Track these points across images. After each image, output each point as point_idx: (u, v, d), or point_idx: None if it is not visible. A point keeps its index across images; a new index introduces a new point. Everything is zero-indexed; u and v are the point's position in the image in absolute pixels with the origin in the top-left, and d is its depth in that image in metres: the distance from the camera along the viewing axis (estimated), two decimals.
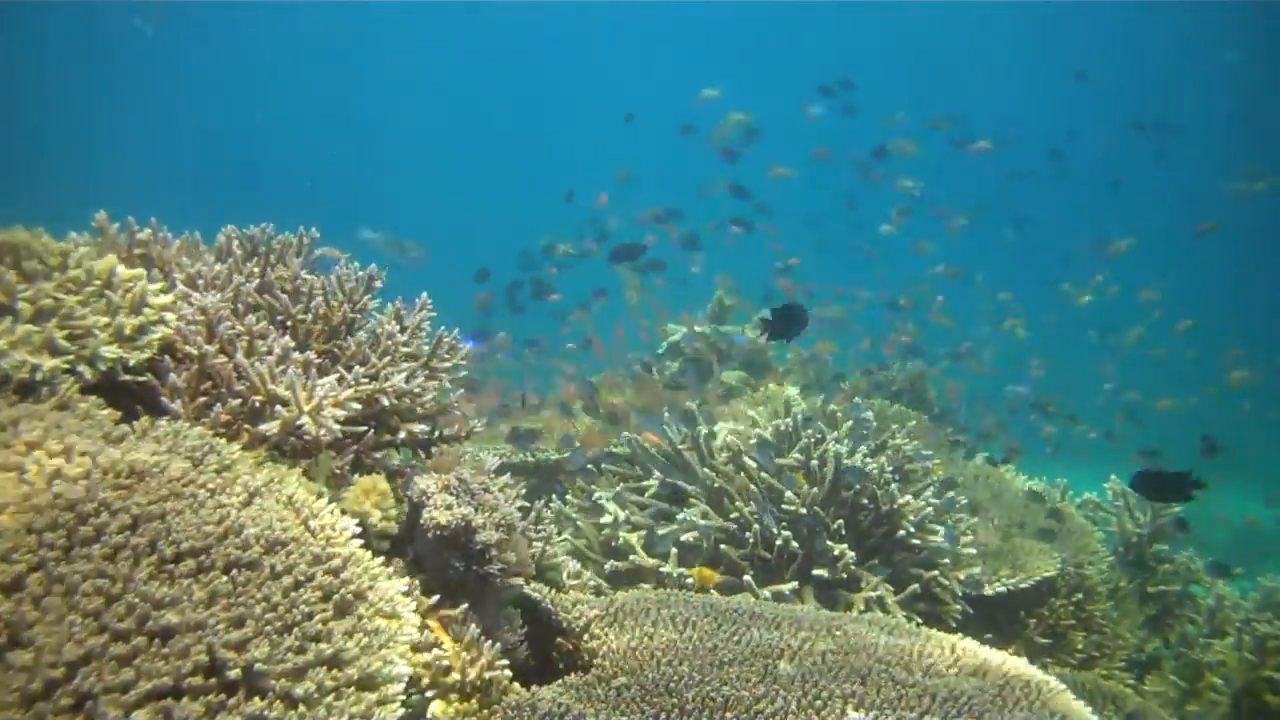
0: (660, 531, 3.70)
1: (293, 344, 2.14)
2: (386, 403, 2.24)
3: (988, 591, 3.74)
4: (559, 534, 4.05)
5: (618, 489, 4.03)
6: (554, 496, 4.26)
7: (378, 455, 2.29)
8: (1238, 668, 3.83)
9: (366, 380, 2.21)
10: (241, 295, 2.41)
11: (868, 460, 3.78)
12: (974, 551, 3.76)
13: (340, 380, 2.17)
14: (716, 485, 3.78)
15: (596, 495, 4.06)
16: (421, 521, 2.24)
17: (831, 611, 2.79)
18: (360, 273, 2.49)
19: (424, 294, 2.63)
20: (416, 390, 2.34)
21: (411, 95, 34.06)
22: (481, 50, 32.78)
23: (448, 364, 2.53)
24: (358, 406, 2.09)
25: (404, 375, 2.29)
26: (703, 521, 3.67)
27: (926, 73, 26.75)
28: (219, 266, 2.55)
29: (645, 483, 4.01)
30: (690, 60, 27.75)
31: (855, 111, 9.23)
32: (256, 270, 2.58)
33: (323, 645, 1.41)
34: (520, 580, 2.52)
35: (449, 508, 2.23)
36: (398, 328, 2.36)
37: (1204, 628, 4.27)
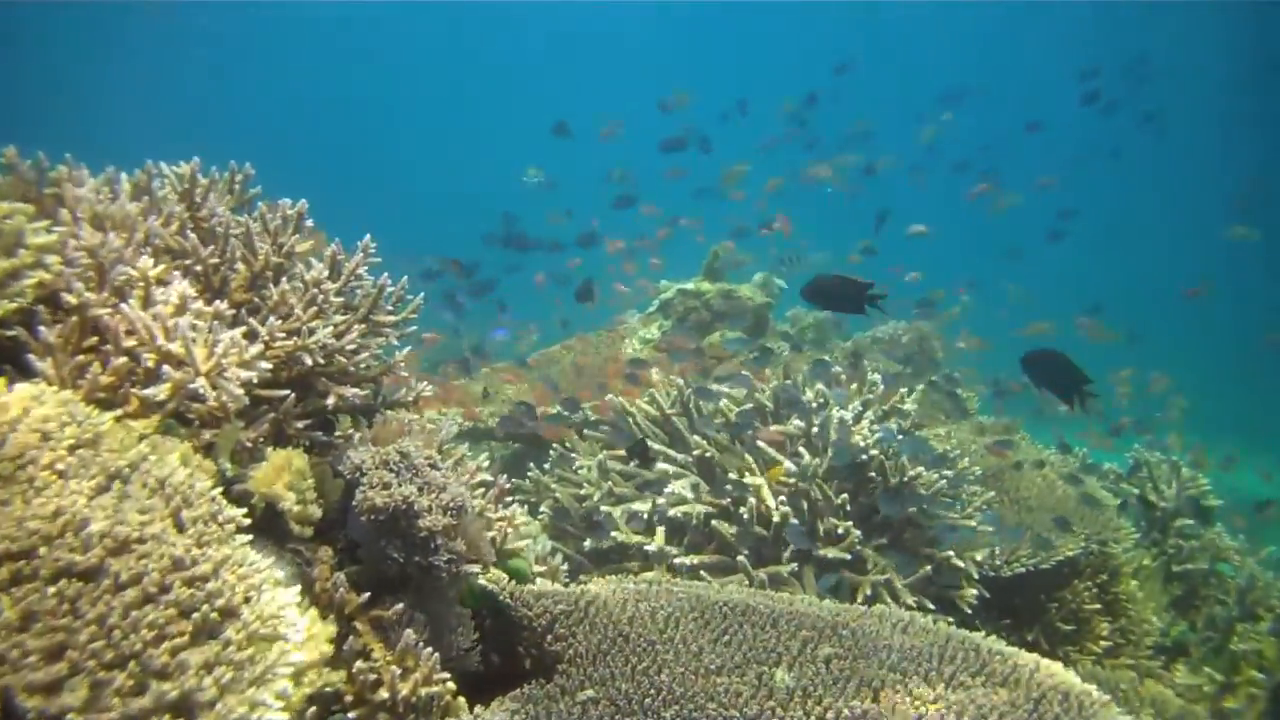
0: (637, 506, 3.36)
1: (192, 292, 1.78)
2: (310, 362, 1.88)
3: (1006, 573, 3.40)
4: (537, 507, 3.72)
5: (600, 457, 3.68)
6: (532, 465, 3.91)
7: (302, 425, 1.93)
8: (1277, 658, 3.51)
9: (285, 335, 1.85)
10: (152, 237, 2.04)
11: (874, 428, 3.44)
12: (991, 529, 3.41)
13: (249, 335, 1.81)
14: (708, 455, 3.43)
15: (577, 465, 3.71)
16: (354, 503, 1.89)
17: (836, 603, 2.44)
18: (290, 209, 2.12)
19: (366, 236, 2.27)
20: (350, 347, 1.98)
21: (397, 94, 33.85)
22: (465, 49, 32.62)
23: (392, 319, 2.17)
24: (267, 366, 1.73)
25: (332, 330, 1.92)
26: (692, 495, 3.33)
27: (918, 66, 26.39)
28: (131, 206, 2.18)
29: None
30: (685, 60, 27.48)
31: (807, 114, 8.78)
32: (179, 211, 2.22)
33: (167, 685, 1.06)
34: (476, 568, 2.17)
35: (387, 487, 1.87)
36: (328, 274, 1.99)
37: (1234, 609, 3.94)
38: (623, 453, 3.67)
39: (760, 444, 3.39)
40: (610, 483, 3.52)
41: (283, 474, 1.71)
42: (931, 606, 3.15)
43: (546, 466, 3.84)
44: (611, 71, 32.10)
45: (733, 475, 3.32)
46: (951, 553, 3.23)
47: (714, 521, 3.25)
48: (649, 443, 3.58)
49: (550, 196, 8.03)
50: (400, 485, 1.88)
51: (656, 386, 3.81)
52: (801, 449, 3.39)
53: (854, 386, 3.83)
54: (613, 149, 8.02)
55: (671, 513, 3.26)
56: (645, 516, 3.40)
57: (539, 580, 2.39)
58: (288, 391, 1.89)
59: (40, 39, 27.16)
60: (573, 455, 3.80)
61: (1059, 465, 4.31)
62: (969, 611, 3.22)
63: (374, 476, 1.88)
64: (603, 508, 3.43)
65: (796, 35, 28.34)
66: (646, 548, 3.22)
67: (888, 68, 24.78)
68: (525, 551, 2.41)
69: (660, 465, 3.46)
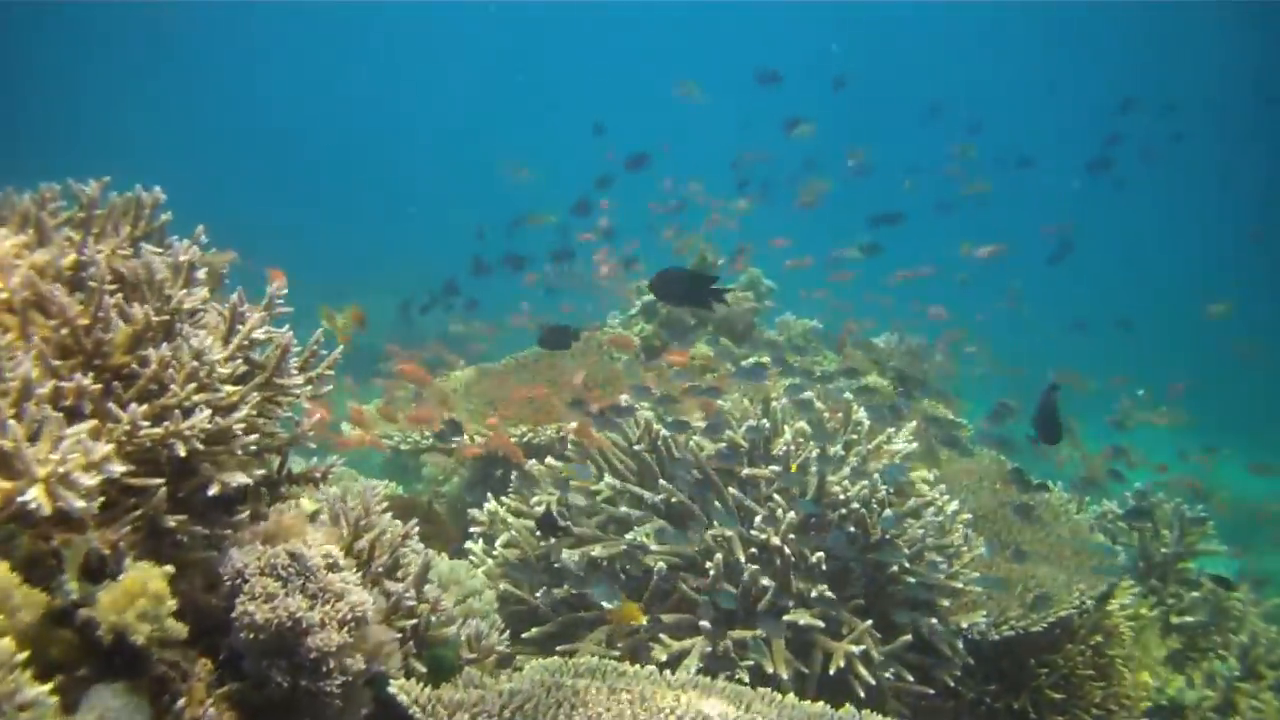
0: (598, 552, 3.10)
1: (35, 372, 1.50)
2: (183, 452, 1.60)
3: (993, 636, 3.14)
4: (494, 539, 3.45)
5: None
6: (489, 495, 3.64)
7: (174, 522, 1.65)
8: None
9: (150, 422, 1.57)
10: (18, 290, 1.76)
11: (856, 476, 3.17)
12: (979, 589, 3.15)
13: (102, 427, 1.53)
14: (675, 500, 3.16)
15: (535, 499, 3.44)
16: (234, 615, 1.62)
17: (801, 709, 2.18)
18: (181, 256, 1.83)
19: (277, 282, 1.99)
20: (239, 426, 1.70)
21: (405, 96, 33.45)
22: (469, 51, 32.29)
23: (299, 380, 1.90)
24: (117, 470, 1.45)
25: (213, 411, 1.64)
26: (656, 545, 3.07)
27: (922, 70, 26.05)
28: (9, 242, 1.91)
29: (597, 485, 3.38)
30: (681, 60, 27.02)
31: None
32: (71, 244, 1.96)
33: None
34: (385, 669, 1.91)
35: (270, 599, 1.60)
36: (210, 342, 1.70)
37: (1236, 668, 3.69)
38: (589, 485, 3.40)
39: (731, 490, 3.13)
40: (569, 521, 3.26)
41: (135, 600, 1.44)
42: (910, 678, 2.89)
43: (504, 498, 3.57)
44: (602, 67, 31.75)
45: (698, 526, 3.06)
46: (934, 620, 2.97)
47: (680, 576, 2.99)
48: (612, 479, 3.31)
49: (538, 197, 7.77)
50: (287, 597, 1.61)
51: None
52: (776, 495, 3.13)
53: (838, 417, 3.54)
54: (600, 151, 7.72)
55: (630, 566, 3.00)
56: (605, 563, 3.14)
57: (466, 671, 2.12)
58: (159, 481, 1.61)
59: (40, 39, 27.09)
60: (533, 490, 3.52)
61: (1055, 505, 4.04)
62: (951, 684, 2.97)
63: (256, 586, 1.61)
64: (564, 552, 3.16)
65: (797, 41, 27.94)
66: (606, 605, 2.96)
67: (888, 79, 24.39)
68: (454, 640, 2.14)
69: (622, 509, 3.19)
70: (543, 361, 5.10)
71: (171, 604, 1.49)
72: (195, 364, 1.65)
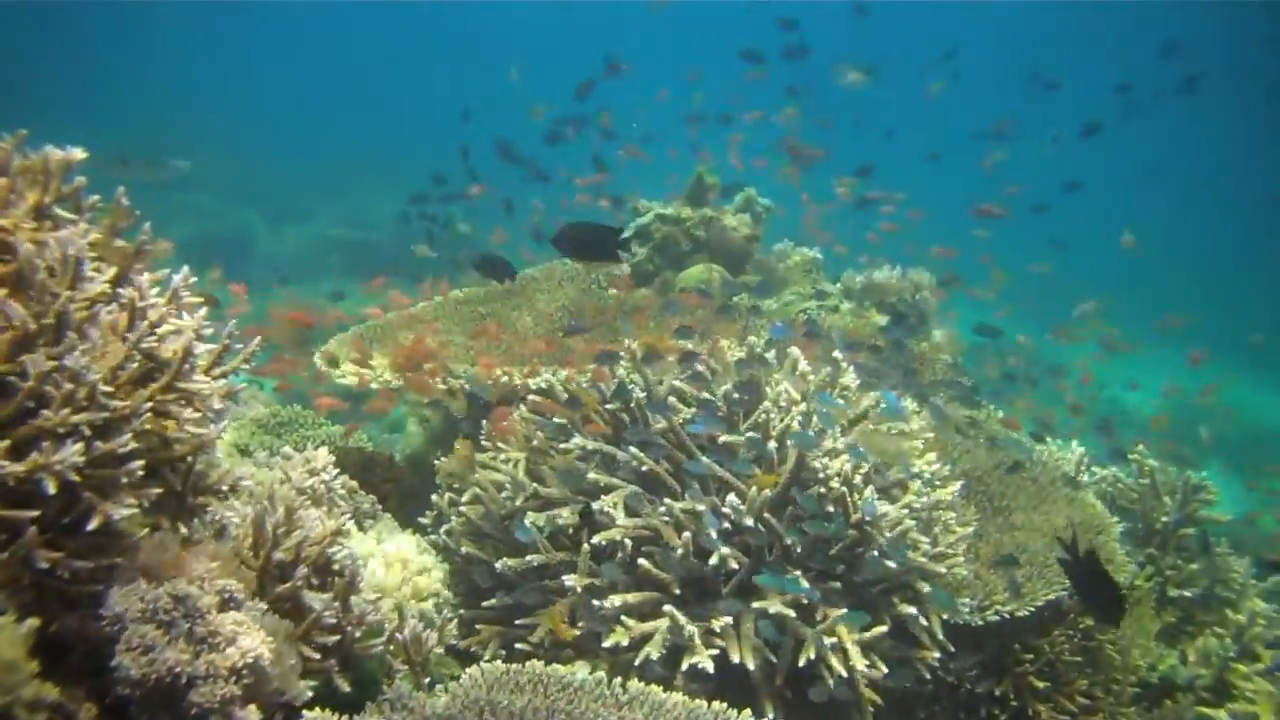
0: (565, 518, 2.94)
1: None
2: (52, 488, 1.42)
3: (977, 622, 2.99)
4: (461, 494, 3.29)
5: (532, 446, 3.24)
6: (456, 444, 3.46)
7: (47, 564, 1.47)
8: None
9: (9, 461, 1.39)
10: None
11: (840, 444, 2.99)
12: (964, 572, 2.99)
13: None
14: (645, 469, 2.99)
15: (502, 456, 3.27)
16: (111, 665, 1.46)
17: None
18: (69, 249, 1.63)
19: (182, 270, 1.79)
20: (124, 450, 1.52)
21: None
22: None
23: (205, 384, 1.71)
24: None
25: (82, 445, 1.45)
26: (622, 516, 2.90)
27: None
28: None
29: (568, 444, 3.19)
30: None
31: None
32: None
33: None
34: (297, 698, 1.75)
35: (147, 651, 1.44)
36: (87, 360, 1.50)
37: (1232, 648, 3.56)
38: (565, 444, 3.23)
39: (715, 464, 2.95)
40: (536, 484, 3.09)
41: None
42: (884, 669, 2.75)
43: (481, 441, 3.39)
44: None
45: (668, 500, 2.88)
46: (914, 609, 2.81)
47: (643, 550, 2.83)
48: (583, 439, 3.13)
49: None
50: (168, 647, 1.45)
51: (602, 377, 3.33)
52: (755, 468, 2.95)
53: (823, 374, 3.32)
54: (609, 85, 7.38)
55: (596, 539, 2.84)
56: (572, 531, 2.99)
57: (395, 686, 1.97)
58: (30, 514, 1.44)
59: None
60: (500, 446, 3.35)
61: (1050, 466, 3.86)
62: (928, 676, 2.83)
63: (134, 635, 1.45)
64: (528, 515, 3.00)
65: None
66: (565, 581, 2.81)
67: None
68: (381, 656, 1.99)
69: (591, 475, 3.02)
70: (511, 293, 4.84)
71: (31, 667, 1.34)
72: (71, 386, 1.46)
